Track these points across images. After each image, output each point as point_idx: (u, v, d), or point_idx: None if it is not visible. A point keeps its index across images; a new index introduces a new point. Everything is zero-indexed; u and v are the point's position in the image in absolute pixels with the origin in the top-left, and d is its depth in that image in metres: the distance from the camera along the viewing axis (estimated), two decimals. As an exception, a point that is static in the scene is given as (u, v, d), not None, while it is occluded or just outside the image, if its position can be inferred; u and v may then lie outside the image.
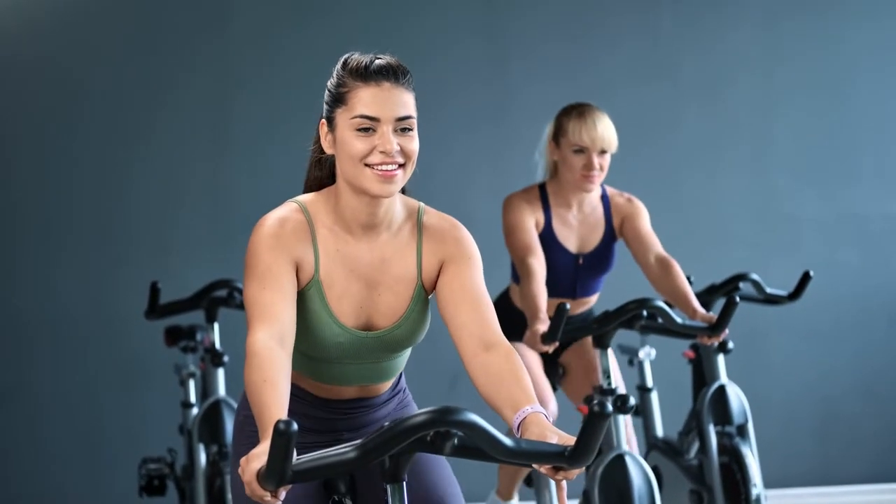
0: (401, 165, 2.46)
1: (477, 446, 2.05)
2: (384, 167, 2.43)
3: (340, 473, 2.01)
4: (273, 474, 1.95)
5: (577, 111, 3.97)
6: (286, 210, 2.52)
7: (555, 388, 4.22)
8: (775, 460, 5.75)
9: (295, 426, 1.89)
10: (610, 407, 2.00)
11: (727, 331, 3.76)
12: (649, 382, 4.91)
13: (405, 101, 2.46)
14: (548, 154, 4.10)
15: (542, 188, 4.10)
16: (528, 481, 4.35)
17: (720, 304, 4.68)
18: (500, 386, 2.35)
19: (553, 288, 4.07)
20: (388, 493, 2.14)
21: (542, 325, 3.62)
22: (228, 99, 5.51)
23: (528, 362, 4.01)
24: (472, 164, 5.65)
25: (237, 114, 5.52)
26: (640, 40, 5.78)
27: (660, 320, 3.75)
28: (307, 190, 2.62)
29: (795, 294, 4.62)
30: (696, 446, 4.56)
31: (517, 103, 5.67)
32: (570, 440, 2.11)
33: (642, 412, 4.93)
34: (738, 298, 3.70)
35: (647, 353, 4.89)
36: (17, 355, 5.48)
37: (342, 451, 2.00)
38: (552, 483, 4.29)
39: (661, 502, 4.69)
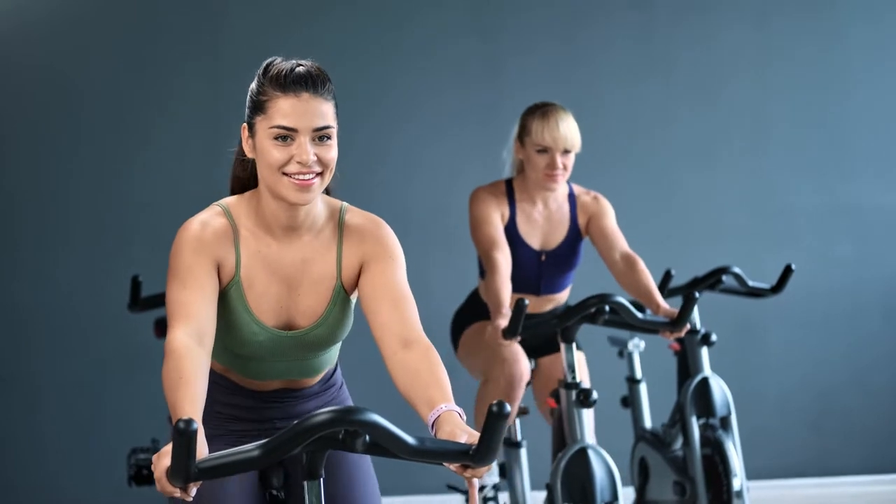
0: (318, 174, 2.47)
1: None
2: (301, 177, 2.45)
3: (246, 471, 2.05)
4: (178, 472, 1.99)
5: (541, 111, 3.99)
6: (209, 213, 2.56)
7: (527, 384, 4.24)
8: (770, 451, 5.77)
9: (195, 425, 1.94)
10: (508, 407, 2.04)
11: (689, 325, 3.78)
12: (638, 374, 4.94)
13: (323, 112, 2.47)
14: (514, 152, 4.12)
15: (508, 183, 4.13)
16: (502, 472, 4.38)
17: (703, 297, 4.69)
18: (417, 383, 2.37)
19: (517, 284, 4.10)
20: (306, 490, 2.17)
21: (504, 321, 3.64)
22: (224, 97, 5.55)
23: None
24: (462, 161, 5.67)
25: (233, 112, 5.53)
26: (634, 35, 5.78)
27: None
28: (231, 191, 2.67)
29: (778, 287, 4.62)
30: (680, 438, 4.58)
31: (510, 101, 5.69)
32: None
33: (631, 403, 4.96)
34: (697, 294, 3.72)
35: (635, 345, 4.93)
36: (14, 345, 5.55)
37: (247, 449, 2.04)
38: (525, 471, 4.33)
39: (648, 493, 4.74)
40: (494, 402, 2.02)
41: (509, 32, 5.75)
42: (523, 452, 4.30)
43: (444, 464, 2.14)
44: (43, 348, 5.56)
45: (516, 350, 4.00)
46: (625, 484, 5.17)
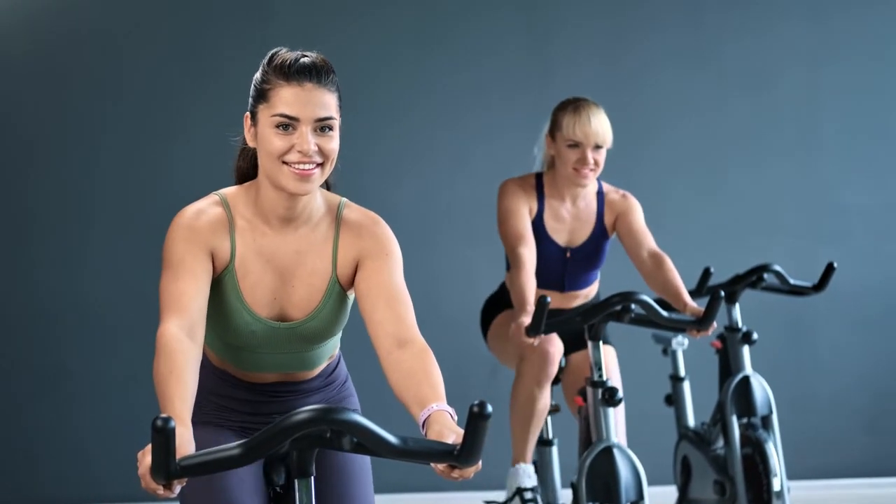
0: (319, 164, 2.48)
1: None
2: (301, 166, 2.46)
3: (228, 469, 2.06)
4: (159, 470, 2.01)
5: (573, 106, 3.97)
6: (205, 202, 2.59)
7: (556, 381, 4.22)
8: (824, 451, 5.70)
9: (172, 423, 1.96)
10: (490, 408, 2.03)
11: (715, 324, 3.74)
12: (682, 372, 4.91)
13: (326, 102, 2.47)
14: (545, 147, 4.11)
15: (538, 178, 4.11)
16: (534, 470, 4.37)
17: (746, 294, 4.64)
18: (410, 383, 2.36)
19: (541, 279, 4.09)
20: (296, 488, 2.18)
21: (527, 318, 3.63)
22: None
23: None
24: (509, 158, 5.62)
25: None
26: (683, 31, 5.73)
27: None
28: (236, 181, 2.69)
29: (820, 285, 4.55)
30: (722, 437, 4.54)
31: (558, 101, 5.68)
32: None
33: (675, 402, 4.93)
34: (722, 293, 3.67)
35: (679, 343, 4.89)
36: (49, 339, 5.60)
37: (229, 447, 2.06)
38: (556, 469, 4.31)
39: (690, 491, 4.70)
40: (476, 402, 2.02)
41: (558, 34, 5.71)
42: (555, 450, 4.29)
43: (432, 464, 2.14)
44: (78, 342, 5.60)
45: (549, 335, 3.97)
46: (668, 483, 5.15)
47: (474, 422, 2.03)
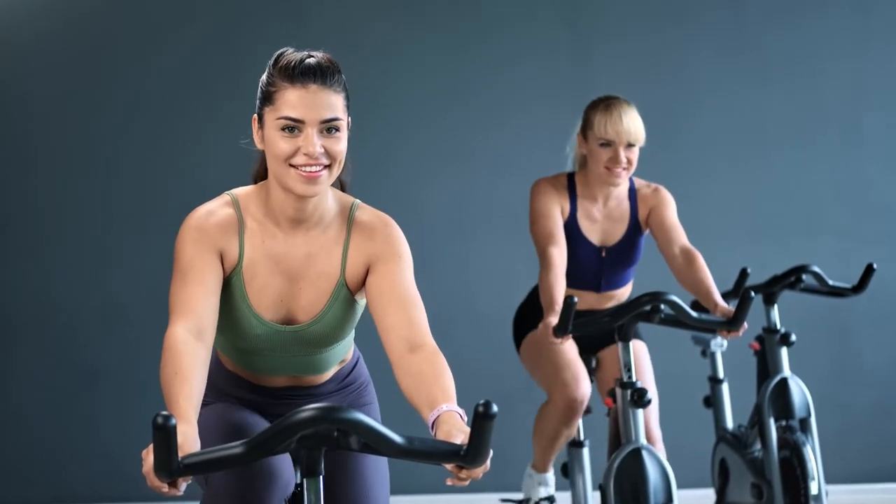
0: (326, 166, 2.45)
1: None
2: (308, 168, 2.44)
3: (232, 467, 2.05)
4: (161, 468, 2.00)
5: (604, 104, 3.93)
6: (216, 203, 2.57)
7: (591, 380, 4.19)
8: (863, 454, 5.63)
9: (173, 421, 1.94)
10: (495, 407, 2.00)
11: (746, 325, 3.68)
12: (720, 373, 4.86)
13: (332, 103, 2.44)
14: (577, 147, 4.08)
15: (570, 177, 4.08)
16: (564, 471, 4.34)
17: (784, 295, 4.59)
18: (421, 385, 2.34)
19: (577, 280, 4.06)
20: (304, 488, 2.16)
21: (555, 319, 3.60)
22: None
23: (564, 346, 3.98)
24: (548, 162, 5.59)
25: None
26: (725, 24, 5.67)
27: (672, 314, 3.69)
28: (255, 180, 2.66)
29: (860, 287, 4.48)
30: (759, 440, 4.49)
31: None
32: None
33: (713, 403, 4.89)
34: (752, 294, 3.62)
35: (718, 344, 4.84)
36: (109, 339, 5.62)
37: (232, 446, 2.05)
38: (587, 471, 4.28)
39: (728, 495, 4.66)
40: (481, 402, 1.99)
41: (599, 37, 5.66)
42: (585, 452, 4.27)
43: (442, 464, 2.11)
44: (103, 342, 5.60)
45: (577, 372, 3.97)
46: (705, 485, 5.10)
47: (480, 422, 2.01)
